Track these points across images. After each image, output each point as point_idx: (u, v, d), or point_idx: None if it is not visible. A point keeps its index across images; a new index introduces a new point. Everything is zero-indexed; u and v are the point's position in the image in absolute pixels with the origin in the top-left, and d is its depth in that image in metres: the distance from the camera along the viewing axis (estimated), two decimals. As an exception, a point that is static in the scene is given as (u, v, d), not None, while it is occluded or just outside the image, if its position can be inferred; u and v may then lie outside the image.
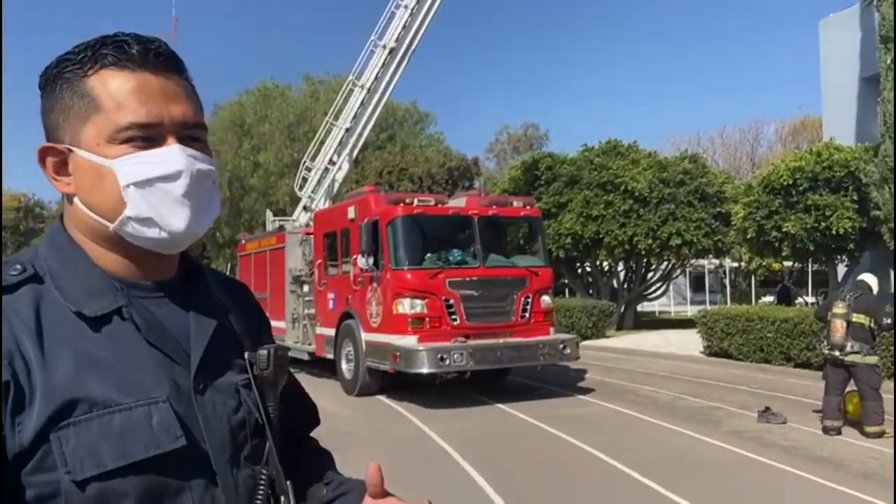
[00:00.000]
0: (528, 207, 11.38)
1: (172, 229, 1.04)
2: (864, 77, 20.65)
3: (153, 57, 1.05)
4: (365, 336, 10.75)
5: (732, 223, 20.20)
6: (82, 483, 0.92)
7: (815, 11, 67.14)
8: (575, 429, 8.21)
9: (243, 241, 18.43)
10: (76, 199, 1.07)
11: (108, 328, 1.01)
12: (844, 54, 21.15)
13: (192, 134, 1.08)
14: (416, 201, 10.51)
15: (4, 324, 0.95)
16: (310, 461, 1.30)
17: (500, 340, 10.15)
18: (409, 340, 9.84)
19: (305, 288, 13.92)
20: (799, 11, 77.01)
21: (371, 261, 10.39)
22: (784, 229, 16.83)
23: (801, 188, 16.70)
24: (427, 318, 9.98)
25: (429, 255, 10.44)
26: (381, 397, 10.64)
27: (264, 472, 1.09)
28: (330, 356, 12.16)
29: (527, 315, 10.55)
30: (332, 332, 12.02)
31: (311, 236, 13.87)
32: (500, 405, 9.87)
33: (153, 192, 1.03)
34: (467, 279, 10.23)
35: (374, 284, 10.49)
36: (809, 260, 20.85)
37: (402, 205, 10.40)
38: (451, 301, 10.08)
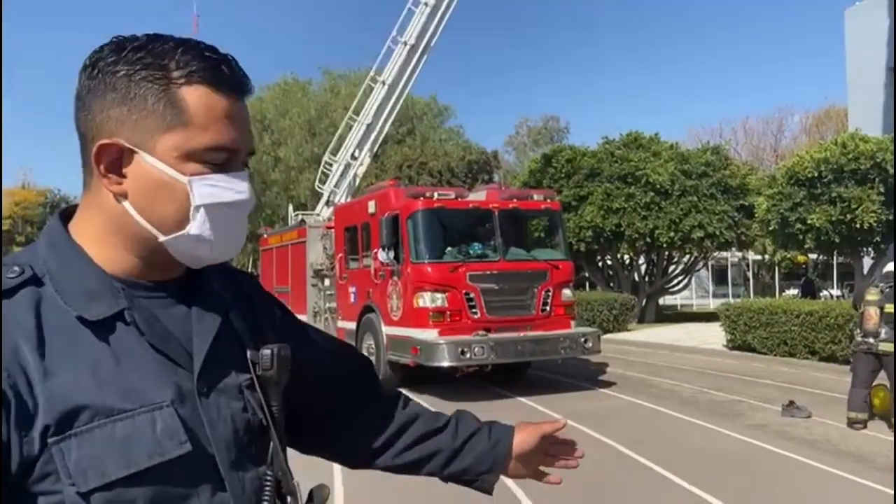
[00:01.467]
0: (548, 200, 11.34)
1: (221, 252, 1.08)
2: (890, 66, 20.34)
3: (240, 82, 1.06)
4: (386, 330, 10.79)
5: (756, 215, 19.99)
6: (87, 494, 0.91)
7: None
8: (596, 423, 8.19)
9: (265, 236, 18.55)
10: (126, 202, 1.03)
11: (109, 332, 0.99)
12: (871, 43, 20.82)
13: (247, 161, 1.11)
14: (436, 195, 10.52)
15: (4, 332, 0.92)
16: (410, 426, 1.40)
17: (521, 334, 10.13)
18: (429, 334, 9.86)
19: (326, 282, 13.99)
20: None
21: (391, 255, 10.42)
22: (809, 221, 16.62)
23: (826, 180, 16.48)
24: (448, 312, 10.00)
25: (449, 248, 10.45)
26: (402, 390, 10.67)
27: (269, 473, 1.08)
28: (352, 350, 12.22)
29: (547, 308, 10.53)
30: (353, 325, 12.07)
31: (332, 230, 13.95)
32: (521, 399, 9.86)
33: (220, 216, 1.04)
34: (488, 273, 10.22)
35: (395, 278, 10.52)
36: (834, 253, 20.59)
37: (422, 199, 10.41)
38: (472, 294, 10.08)
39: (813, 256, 26.14)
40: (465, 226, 10.94)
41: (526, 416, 7.50)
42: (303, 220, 16.24)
